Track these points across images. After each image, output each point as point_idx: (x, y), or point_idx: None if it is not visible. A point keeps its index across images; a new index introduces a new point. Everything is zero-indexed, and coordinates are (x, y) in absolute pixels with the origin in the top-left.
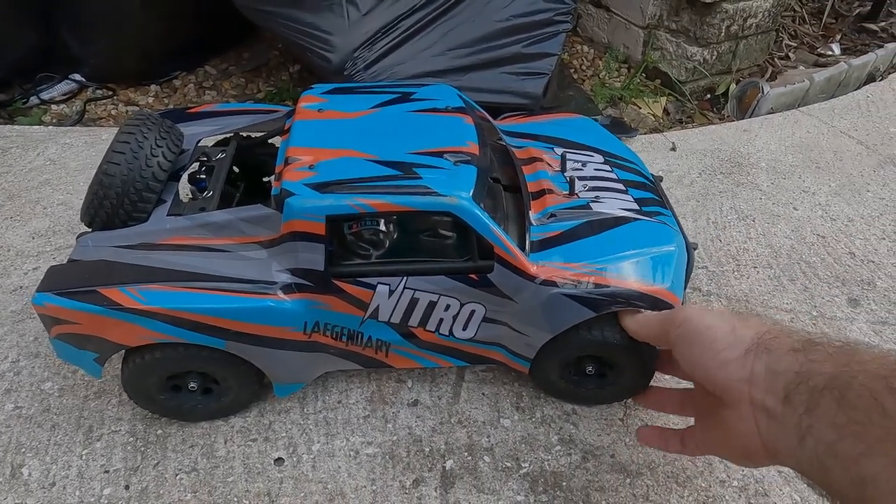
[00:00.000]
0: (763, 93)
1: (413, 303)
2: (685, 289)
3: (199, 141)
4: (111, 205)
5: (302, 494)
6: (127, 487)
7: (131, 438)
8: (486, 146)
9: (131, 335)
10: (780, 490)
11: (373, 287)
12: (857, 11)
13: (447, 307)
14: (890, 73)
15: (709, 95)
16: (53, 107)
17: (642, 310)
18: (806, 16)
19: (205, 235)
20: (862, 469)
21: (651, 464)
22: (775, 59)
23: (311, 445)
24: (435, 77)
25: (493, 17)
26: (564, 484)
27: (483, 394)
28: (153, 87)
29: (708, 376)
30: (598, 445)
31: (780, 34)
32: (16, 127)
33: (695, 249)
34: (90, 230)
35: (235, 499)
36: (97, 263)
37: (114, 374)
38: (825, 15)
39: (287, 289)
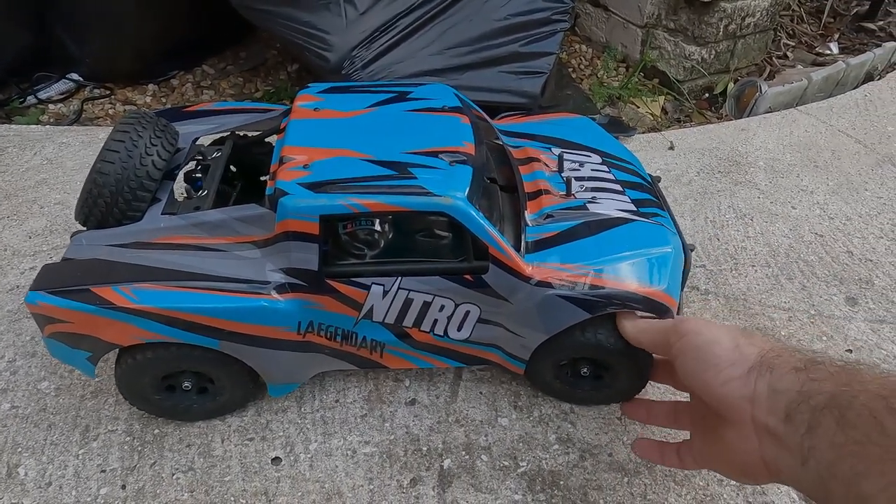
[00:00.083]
0: (761, 92)
1: (407, 303)
2: (682, 290)
3: (196, 140)
4: (105, 203)
5: (299, 494)
6: (123, 487)
7: (128, 438)
8: (483, 146)
9: (124, 334)
10: (778, 489)
11: (367, 287)
12: (855, 10)
13: (442, 308)
14: (888, 73)
15: (707, 94)
16: (51, 106)
17: (640, 314)
18: (804, 15)
19: (199, 235)
20: (862, 489)
21: (649, 462)
22: (773, 59)
23: (308, 445)
24: (433, 76)
25: (491, 15)
26: (562, 483)
27: (481, 393)
28: (151, 86)
29: (709, 393)
30: (596, 444)
31: (778, 33)
32: (13, 126)
33: (692, 251)
34: (85, 229)
35: (232, 498)
36: (91, 262)
37: (110, 374)
38: (824, 14)
39: (281, 288)
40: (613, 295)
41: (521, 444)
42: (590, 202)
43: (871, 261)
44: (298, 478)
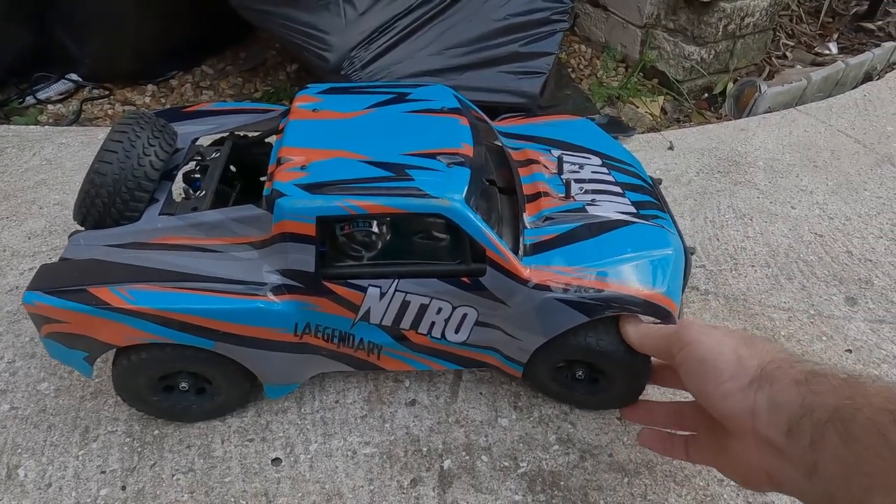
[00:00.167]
0: (760, 92)
1: (404, 306)
2: (682, 293)
3: (196, 140)
4: (103, 204)
5: (299, 494)
6: (123, 488)
7: (128, 439)
8: (482, 148)
9: (120, 335)
10: None
11: (363, 289)
12: (854, 10)
13: (439, 310)
14: (887, 72)
15: (706, 94)
16: (50, 106)
17: (641, 318)
18: (803, 15)
19: (196, 235)
20: None
21: (649, 463)
22: (773, 58)
23: (308, 445)
24: (432, 76)
25: (491, 16)
26: (562, 483)
27: (481, 393)
28: (150, 86)
29: (711, 405)
30: (596, 444)
31: (777, 33)
32: (12, 127)
33: (692, 254)
34: (83, 229)
35: (232, 499)
36: (88, 262)
37: (110, 375)
38: (822, 14)
39: (277, 290)
40: (612, 298)
41: (521, 445)
42: (589, 204)
43: (870, 261)
44: (298, 478)
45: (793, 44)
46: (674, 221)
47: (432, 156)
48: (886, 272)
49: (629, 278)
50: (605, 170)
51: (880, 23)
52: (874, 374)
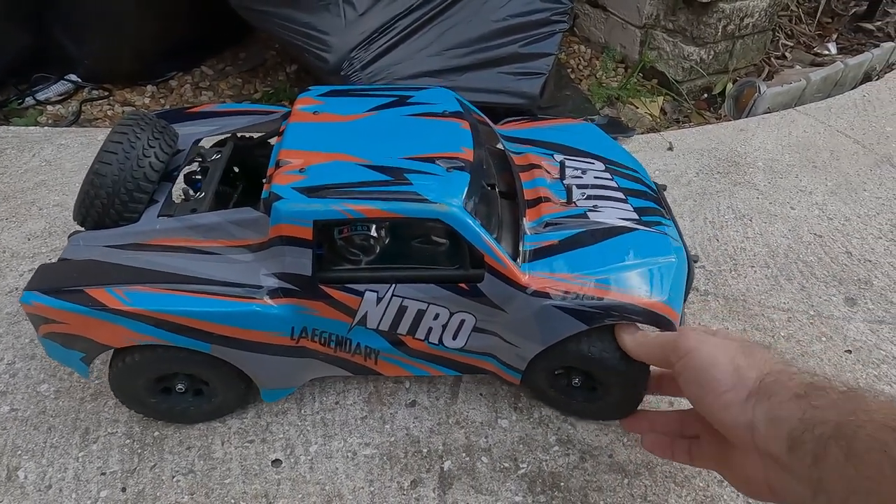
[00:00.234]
0: (760, 92)
1: (401, 311)
2: (685, 302)
3: (199, 141)
4: (102, 204)
5: (300, 496)
6: (124, 490)
7: (128, 440)
8: (482, 152)
9: (116, 336)
10: None
11: (360, 294)
12: (853, 11)
13: (436, 316)
14: (886, 73)
15: (706, 95)
16: (49, 107)
17: (639, 325)
18: (802, 15)
19: (194, 237)
20: None
21: (649, 464)
22: (772, 59)
23: (308, 447)
24: (432, 77)
25: (490, 16)
26: (562, 484)
27: (481, 394)
28: (149, 87)
29: (711, 415)
30: (597, 445)
31: (776, 34)
32: (11, 128)
33: (696, 262)
34: (83, 229)
35: (232, 500)
36: (86, 263)
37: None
38: (818, 14)
39: (274, 293)
40: (612, 306)
41: (521, 446)
42: (591, 210)
43: (869, 261)
44: (299, 480)
45: (792, 44)
46: (677, 228)
47: (432, 160)
48: (886, 273)
49: (629, 286)
50: (608, 175)
51: (879, 23)
52: (874, 388)
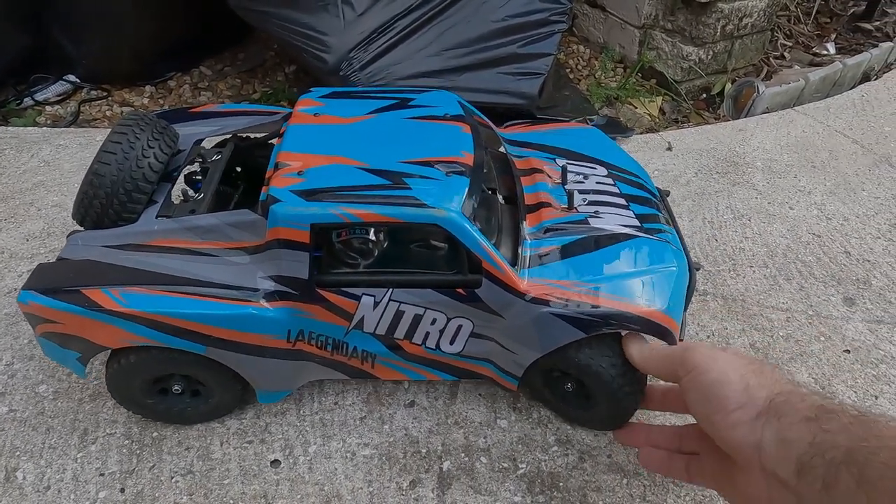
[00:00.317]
0: (758, 92)
1: (398, 315)
2: (685, 310)
3: (201, 141)
4: (100, 204)
5: (298, 496)
6: (122, 490)
7: (126, 441)
8: (483, 156)
9: (112, 337)
10: None
11: (357, 298)
12: (851, 11)
13: (433, 321)
14: (884, 73)
15: (704, 95)
16: (48, 108)
17: (644, 336)
18: (801, 15)
19: (191, 239)
20: None
21: None
22: (770, 59)
23: (307, 447)
24: (431, 77)
25: (489, 17)
26: (561, 484)
27: (479, 395)
28: (148, 87)
29: (717, 433)
30: (595, 446)
31: (775, 34)
32: (9, 128)
33: (697, 270)
34: (82, 229)
35: (231, 501)
36: (83, 263)
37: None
38: (813, 13)
39: (270, 296)
40: (610, 314)
41: (520, 446)
42: (592, 216)
43: (868, 261)
44: (297, 480)
45: (791, 44)
46: (680, 236)
47: (431, 164)
48: (884, 272)
49: (628, 294)
50: (610, 180)
51: (878, 23)
52: (888, 415)
